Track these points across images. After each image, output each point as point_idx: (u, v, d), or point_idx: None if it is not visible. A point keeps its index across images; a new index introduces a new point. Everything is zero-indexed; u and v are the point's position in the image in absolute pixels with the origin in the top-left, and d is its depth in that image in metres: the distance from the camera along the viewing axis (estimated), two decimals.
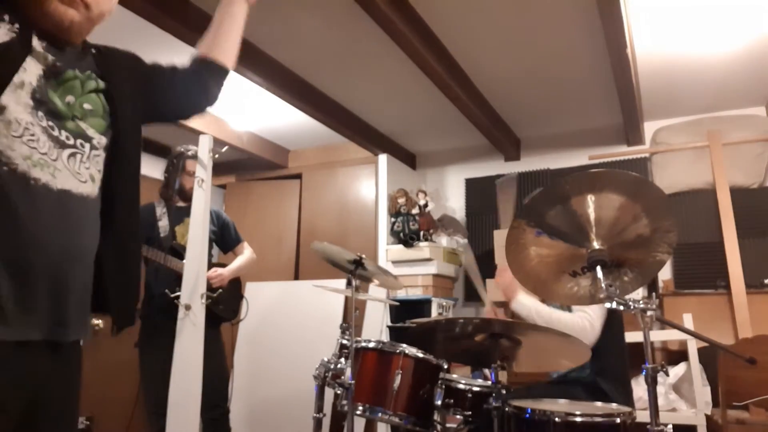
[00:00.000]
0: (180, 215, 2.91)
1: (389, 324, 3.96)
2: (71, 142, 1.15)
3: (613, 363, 2.08)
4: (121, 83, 1.29)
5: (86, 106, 1.20)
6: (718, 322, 3.52)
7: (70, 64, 1.18)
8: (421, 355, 2.08)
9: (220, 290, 2.85)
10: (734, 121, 3.92)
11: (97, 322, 3.99)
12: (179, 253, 2.76)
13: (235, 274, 2.98)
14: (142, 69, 1.38)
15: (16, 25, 1.09)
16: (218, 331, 2.95)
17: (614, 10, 2.58)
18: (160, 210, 2.90)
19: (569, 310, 2.11)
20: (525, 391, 2.16)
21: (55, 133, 1.13)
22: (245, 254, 3.09)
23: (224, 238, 3.09)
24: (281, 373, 4.08)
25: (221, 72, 1.46)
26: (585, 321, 2.03)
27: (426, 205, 4.41)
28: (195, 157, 2.84)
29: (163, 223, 2.86)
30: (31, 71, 1.10)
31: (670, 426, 1.43)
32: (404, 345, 2.10)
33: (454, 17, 2.85)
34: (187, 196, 2.87)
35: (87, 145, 1.18)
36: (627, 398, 2.07)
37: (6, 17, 1.08)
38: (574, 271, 1.57)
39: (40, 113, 1.10)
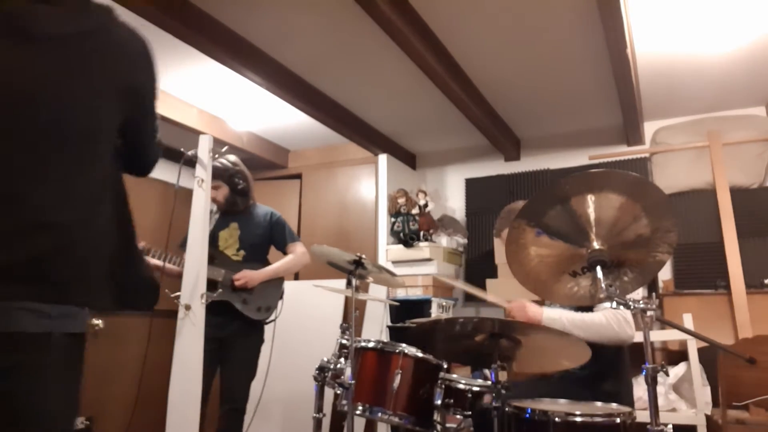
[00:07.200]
0: (226, 220, 2.97)
1: (389, 324, 3.96)
2: None
3: (612, 360, 2.07)
4: None
5: None
6: (718, 322, 3.51)
7: None
8: (420, 354, 2.08)
9: (246, 292, 2.89)
10: (734, 121, 3.92)
11: (97, 322, 3.99)
12: (214, 258, 2.76)
13: (267, 277, 2.97)
14: None
15: None
16: (252, 336, 2.97)
17: (614, 10, 2.58)
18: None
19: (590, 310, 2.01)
20: (523, 386, 2.15)
21: None
22: (290, 256, 3.08)
23: (274, 238, 3.10)
24: (281, 373, 4.07)
25: None
26: (618, 315, 1.94)
27: (426, 205, 4.41)
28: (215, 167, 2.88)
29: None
30: None
31: (670, 426, 1.43)
32: (403, 345, 2.10)
33: (454, 17, 2.85)
34: (219, 207, 2.98)
35: None
36: (628, 396, 2.06)
37: None
38: (574, 271, 1.57)
39: None
